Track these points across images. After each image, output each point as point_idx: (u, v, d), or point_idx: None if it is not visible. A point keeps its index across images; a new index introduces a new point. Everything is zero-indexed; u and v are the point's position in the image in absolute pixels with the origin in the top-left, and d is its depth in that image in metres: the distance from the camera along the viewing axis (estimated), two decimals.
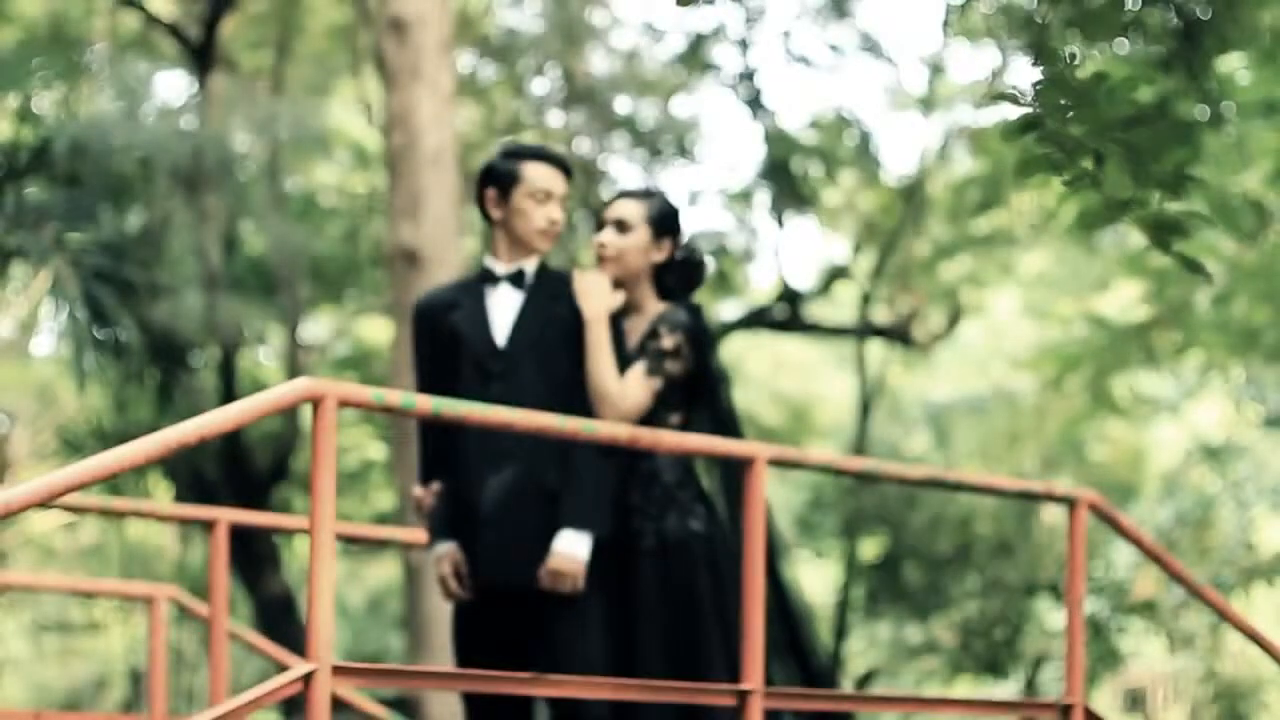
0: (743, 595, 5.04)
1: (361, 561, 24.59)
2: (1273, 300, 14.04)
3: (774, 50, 24.60)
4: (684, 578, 5.34)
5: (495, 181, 5.47)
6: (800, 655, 5.55)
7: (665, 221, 5.57)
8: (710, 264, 5.73)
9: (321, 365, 20.14)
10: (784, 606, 5.51)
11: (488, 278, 5.46)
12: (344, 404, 4.34)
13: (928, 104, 18.70)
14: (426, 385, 5.40)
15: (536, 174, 5.45)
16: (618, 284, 5.52)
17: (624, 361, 5.40)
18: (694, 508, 5.41)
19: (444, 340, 5.43)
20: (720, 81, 18.86)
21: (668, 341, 5.43)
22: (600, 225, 5.60)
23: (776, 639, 5.44)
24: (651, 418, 5.37)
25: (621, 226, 5.55)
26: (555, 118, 17.81)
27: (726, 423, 5.53)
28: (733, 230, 19.72)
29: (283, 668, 6.88)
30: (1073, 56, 4.85)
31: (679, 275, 5.61)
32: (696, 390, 5.50)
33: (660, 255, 5.57)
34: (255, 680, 24.12)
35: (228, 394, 16.02)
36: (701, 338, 5.50)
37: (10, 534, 22.65)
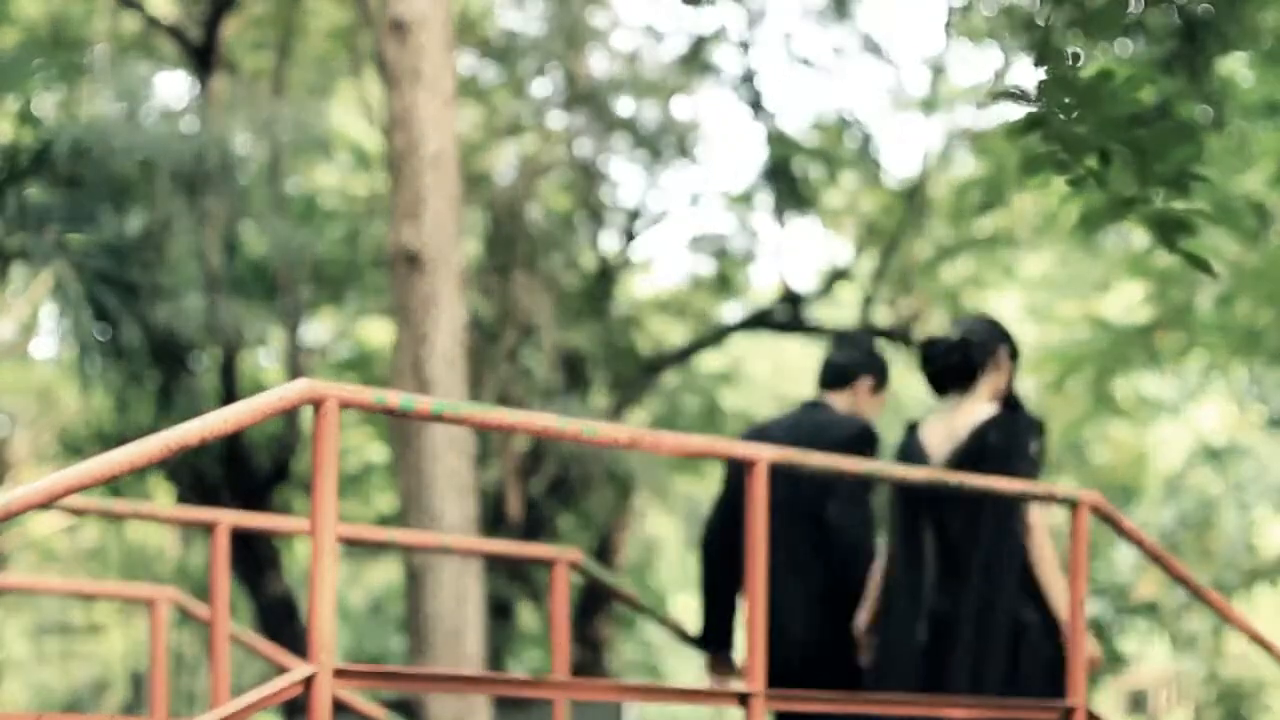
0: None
1: (363, 563, 24.59)
2: (1275, 302, 14.02)
3: (775, 52, 24.61)
4: None
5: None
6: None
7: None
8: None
9: (322, 367, 20.12)
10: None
11: None
12: (345, 406, 4.32)
13: (929, 105, 18.67)
14: None
15: None
16: None
17: None
18: None
19: None
20: (721, 83, 18.86)
21: None
22: None
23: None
24: None
25: None
26: (556, 119, 17.80)
27: None
28: (734, 232, 19.71)
29: (284, 670, 6.87)
30: (1075, 56, 4.82)
31: None
32: None
33: None
34: (256, 682, 24.11)
35: (229, 396, 16.00)
36: None
37: (11, 536, 22.65)
